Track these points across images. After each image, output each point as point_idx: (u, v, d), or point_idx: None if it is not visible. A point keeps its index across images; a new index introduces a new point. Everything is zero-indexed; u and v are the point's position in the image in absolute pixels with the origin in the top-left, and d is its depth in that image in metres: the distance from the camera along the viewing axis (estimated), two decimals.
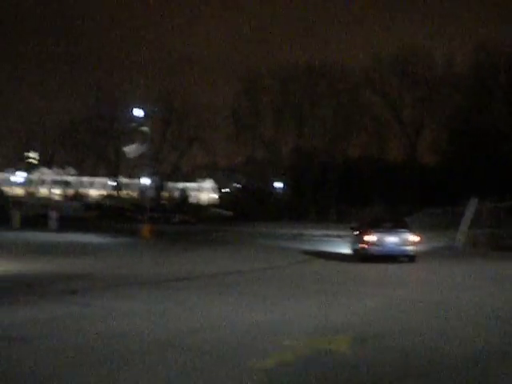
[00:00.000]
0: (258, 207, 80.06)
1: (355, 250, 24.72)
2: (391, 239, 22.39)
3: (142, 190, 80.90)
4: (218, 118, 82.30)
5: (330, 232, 44.78)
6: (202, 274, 18.29)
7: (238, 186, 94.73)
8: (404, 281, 17.69)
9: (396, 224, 24.00)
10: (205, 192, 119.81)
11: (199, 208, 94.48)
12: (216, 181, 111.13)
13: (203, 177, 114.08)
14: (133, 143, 52.37)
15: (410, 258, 22.39)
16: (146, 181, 64.67)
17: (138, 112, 49.52)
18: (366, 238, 22.67)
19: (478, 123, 69.53)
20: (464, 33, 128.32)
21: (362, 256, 22.89)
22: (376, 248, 22.36)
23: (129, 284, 15.80)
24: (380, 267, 21.00)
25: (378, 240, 22.38)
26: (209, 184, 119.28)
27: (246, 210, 79.79)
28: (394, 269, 20.74)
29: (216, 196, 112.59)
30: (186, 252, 28.07)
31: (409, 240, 22.33)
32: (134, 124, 56.43)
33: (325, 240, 38.55)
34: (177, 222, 64.41)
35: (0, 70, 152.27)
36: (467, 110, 72.55)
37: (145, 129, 52.20)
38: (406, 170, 75.25)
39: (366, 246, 22.59)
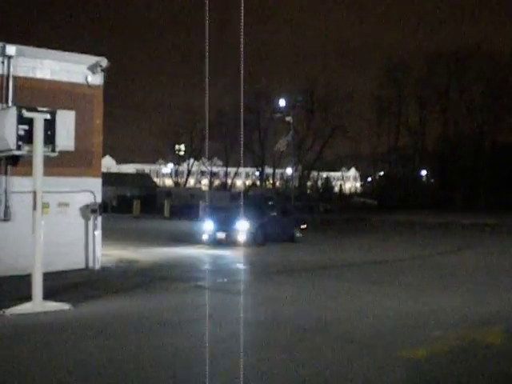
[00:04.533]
0: (402, 195, 78.67)
1: None
2: None
3: (287, 179, 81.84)
4: (361, 106, 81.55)
5: (479, 221, 43.06)
6: (343, 263, 18.40)
7: (382, 174, 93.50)
8: None
9: None
10: (348, 181, 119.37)
11: (343, 197, 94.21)
12: (359, 169, 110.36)
13: (347, 165, 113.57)
14: (282, 137, 52.84)
15: None
16: (290, 170, 65.25)
17: (282, 102, 50.08)
18: None
19: None
20: None
21: None
22: None
23: (277, 272, 16.17)
24: None
25: None
26: (352, 173, 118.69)
27: (390, 198, 78.57)
28: None
29: (359, 185, 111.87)
30: (332, 241, 28.14)
31: None
32: (278, 114, 57.15)
33: (474, 229, 37.14)
34: (321, 212, 64.40)
35: (154, 65, 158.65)
36: None
37: (289, 119, 52.63)
38: None
39: None
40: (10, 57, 14.23)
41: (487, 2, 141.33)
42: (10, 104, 13.74)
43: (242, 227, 22.65)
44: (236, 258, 19.44)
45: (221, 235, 23.04)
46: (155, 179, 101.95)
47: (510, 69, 76.14)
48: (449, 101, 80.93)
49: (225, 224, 23.38)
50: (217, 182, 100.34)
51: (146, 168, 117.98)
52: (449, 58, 78.62)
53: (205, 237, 23.22)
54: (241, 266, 17.73)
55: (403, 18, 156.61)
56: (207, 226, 23.59)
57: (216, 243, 22.72)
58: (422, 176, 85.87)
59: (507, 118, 77.46)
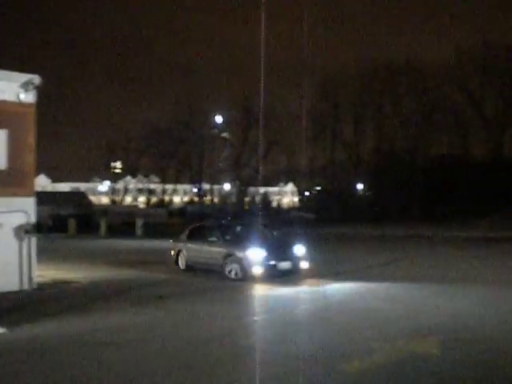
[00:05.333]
0: (339, 209, 79.52)
1: None
2: None
3: (225, 195, 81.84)
4: (297, 121, 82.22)
5: (414, 232, 43.97)
6: None
7: (319, 188, 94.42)
8: None
9: None
10: (286, 196, 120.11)
11: (281, 212, 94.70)
12: (297, 184, 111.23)
13: (284, 180, 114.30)
14: (223, 153, 52.94)
15: None
16: (227, 186, 65.32)
17: (218, 118, 50.20)
18: None
19: None
20: None
21: None
22: None
23: (214, 289, 16.11)
24: None
25: None
26: (290, 187, 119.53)
27: (327, 212, 79.35)
28: None
29: (297, 199, 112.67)
30: None
31: None
32: (214, 130, 57.30)
33: (410, 240, 37.82)
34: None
35: (87, 82, 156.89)
36: None
37: (225, 135, 52.78)
38: (491, 168, 73.21)
39: None
40: None
41: (418, 18, 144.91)
42: None
43: (302, 253, 18.69)
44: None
45: (285, 265, 18.04)
46: (91, 197, 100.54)
47: (439, 84, 78.08)
48: (382, 115, 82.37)
49: (282, 251, 18.51)
50: (154, 199, 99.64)
51: (82, 186, 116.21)
52: (381, 73, 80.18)
53: (257, 270, 17.43)
54: None
55: (337, 33, 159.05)
56: (258, 255, 17.58)
57: (277, 276, 17.71)
58: (358, 189, 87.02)
59: (438, 131, 79.31)
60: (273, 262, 17.70)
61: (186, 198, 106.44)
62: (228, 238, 19.48)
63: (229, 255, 18.17)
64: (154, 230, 46.36)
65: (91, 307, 13.11)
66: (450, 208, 69.31)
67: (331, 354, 8.47)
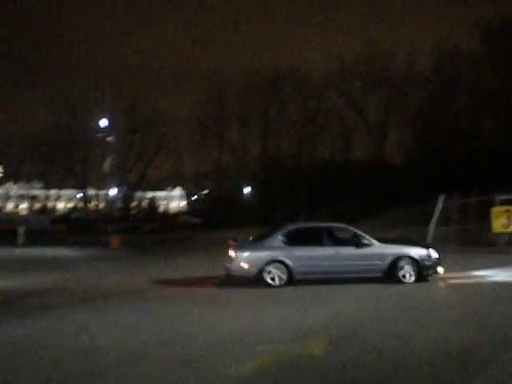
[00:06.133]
0: (226, 213, 79.88)
1: None
2: None
3: (110, 200, 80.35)
4: (184, 126, 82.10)
5: None
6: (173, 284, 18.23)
7: (206, 192, 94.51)
8: None
9: None
10: (174, 200, 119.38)
11: (168, 216, 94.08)
12: (184, 189, 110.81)
13: (171, 185, 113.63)
14: (108, 158, 51.81)
15: None
16: (113, 191, 64.16)
17: (103, 122, 49.19)
18: None
19: (442, 122, 70.31)
20: (425, 32, 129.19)
21: None
22: None
23: (100, 297, 15.69)
24: None
25: None
26: (177, 192, 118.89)
27: (215, 216, 79.60)
28: None
29: (185, 204, 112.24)
30: (156, 262, 27.88)
31: None
32: (100, 134, 56.14)
33: None
34: (146, 232, 63.99)
35: None
36: (430, 109, 73.33)
37: (110, 139, 51.81)
38: (374, 171, 75.70)
39: None
40: None
41: (305, 25, 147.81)
42: None
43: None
44: None
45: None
46: None
47: (323, 88, 79.92)
48: (268, 119, 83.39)
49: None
50: (37, 206, 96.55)
51: None
52: (267, 77, 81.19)
53: (441, 269, 16.96)
54: None
55: (223, 38, 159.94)
56: (436, 254, 17.00)
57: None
58: (245, 193, 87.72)
59: (322, 135, 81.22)
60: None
61: (70, 204, 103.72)
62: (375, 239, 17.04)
63: (399, 257, 16.54)
64: (37, 237, 44.89)
65: None
66: (335, 210, 71.11)
67: (218, 358, 8.38)
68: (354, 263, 16.43)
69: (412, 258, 16.39)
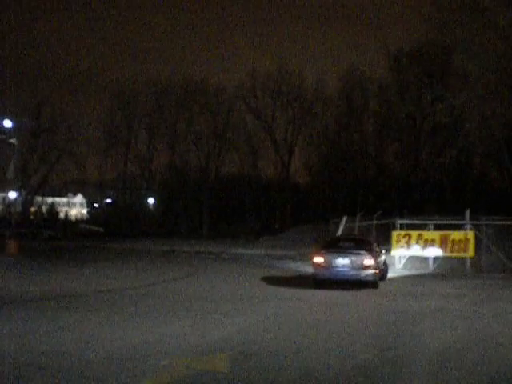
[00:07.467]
0: (129, 223, 78.89)
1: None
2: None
3: (8, 204, 77.72)
4: (90, 132, 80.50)
5: (203, 249, 44.92)
6: (72, 293, 17.78)
7: (109, 201, 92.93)
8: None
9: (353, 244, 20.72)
10: (75, 207, 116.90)
11: (68, 223, 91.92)
12: (86, 196, 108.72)
13: (73, 192, 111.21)
14: (11, 162, 49.97)
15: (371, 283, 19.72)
16: (12, 195, 62.02)
17: (7, 123, 47.54)
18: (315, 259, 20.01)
19: (347, 145, 72.14)
20: (336, 57, 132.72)
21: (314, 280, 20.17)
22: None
23: None
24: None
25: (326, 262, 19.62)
26: (79, 199, 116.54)
27: (116, 225, 78.44)
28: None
29: (86, 211, 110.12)
30: (55, 269, 27.17)
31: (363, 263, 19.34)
32: (1, 135, 54.25)
33: (199, 257, 38.41)
34: (45, 238, 62.30)
35: None
36: (336, 132, 75.14)
37: (13, 141, 50.15)
38: (279, 189, 76.68)
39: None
40: None
41: (217, 39, 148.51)
42: None
43: None
44: None
45: None
46: None
47: (233, 103, 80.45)
48: (177, 131, 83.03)
49: None
50: None
51: None
52: (177, 90, 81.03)
53: None
54: None
55: (130, 47, 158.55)
56: None
57: None
58: (149, 204, 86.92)
59: (230, 150, 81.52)
60: None
61: None
62: None
63: None
64: None
65: None
66: (237, 227, 71.74)
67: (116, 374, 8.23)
68: None
69: None
